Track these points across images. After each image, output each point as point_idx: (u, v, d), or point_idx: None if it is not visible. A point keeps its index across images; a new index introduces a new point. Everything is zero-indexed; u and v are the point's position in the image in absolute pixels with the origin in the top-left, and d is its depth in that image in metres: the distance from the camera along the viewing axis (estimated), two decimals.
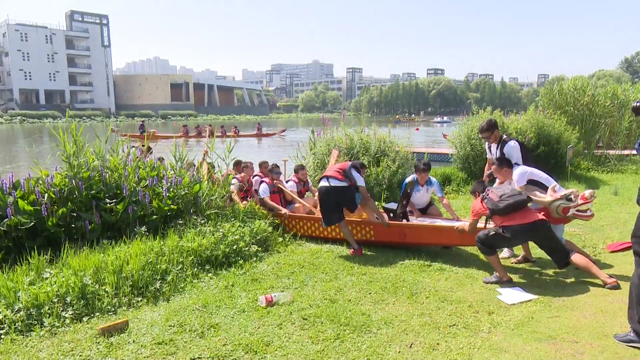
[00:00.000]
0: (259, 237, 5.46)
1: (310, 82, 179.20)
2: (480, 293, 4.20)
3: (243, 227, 5.47)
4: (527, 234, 4.39)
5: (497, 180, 5.16)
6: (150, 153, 6.97)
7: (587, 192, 4.43)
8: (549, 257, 5.09)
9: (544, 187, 4.96)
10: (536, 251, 5.49)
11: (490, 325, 3.52)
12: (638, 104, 3.23)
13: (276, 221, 6.12)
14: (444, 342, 3.26)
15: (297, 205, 6.57)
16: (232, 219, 5.68)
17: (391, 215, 5.67)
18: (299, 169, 6.95)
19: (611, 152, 12.84)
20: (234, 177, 6.68)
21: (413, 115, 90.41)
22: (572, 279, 4.48)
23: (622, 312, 3.39)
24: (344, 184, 5.38)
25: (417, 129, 39.59)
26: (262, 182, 6.58)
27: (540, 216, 4.43)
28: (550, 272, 4.74)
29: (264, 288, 4.28)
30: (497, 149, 5.40)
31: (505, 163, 5.04)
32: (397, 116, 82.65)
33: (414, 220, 5.83)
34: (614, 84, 14.45)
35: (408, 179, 6.03)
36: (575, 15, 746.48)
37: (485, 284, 4.39)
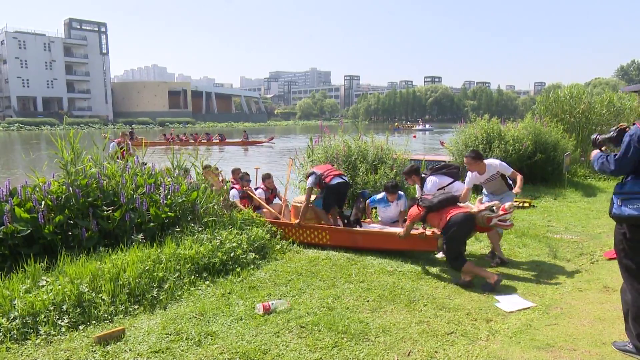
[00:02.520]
0: (256, 245, 5.45)
1: (308, 89, 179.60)
2: (478, 301, 4.19)
3: (240, 235, 5.46)
4: (467, 222, 4.71)
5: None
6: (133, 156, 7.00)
7: (507, 204, 4.90)
8: (546, 264, 5.12)
9: (507, 185, 5.66)
10: (521, 253, 5.51)
11: (489, 333, 3.52)
12: (597, 136, 3.32)
13: (273, 229, 6.16)
14: (442, 350, 3.25)
15: (264, 210, 6.99)
16: (230, 227, 5.67)
17: (345, 221, 6.29)
18: (266, 177, 7.60)
19: None
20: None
21: (409, 123, 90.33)
22: (570, 287, 4.48)
23: (620, 320, 3.38)
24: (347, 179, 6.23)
25: (415, 136, 39.72)
26: (232, 188, 7.14)
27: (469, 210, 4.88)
28: (548, 279, 4.74)
29: (262, 296, 4.27)
30: (420, 187, 6.18)
31: (475, 154, 5.55)
32: (396, 124, 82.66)
33: (366, 227, 6.20)
34: (609, 92, 14.52)
35: (378, 196, 6.46)
36: (571, 23, 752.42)
37: (483, 292, 4.39)
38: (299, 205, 6.35)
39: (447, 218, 4.71)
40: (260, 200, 7.00)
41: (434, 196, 4.97)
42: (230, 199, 6.85)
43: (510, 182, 5.74)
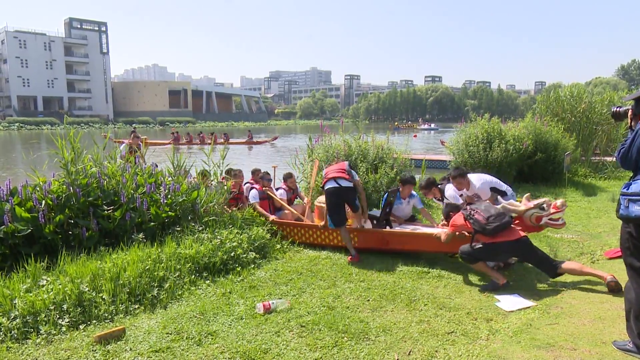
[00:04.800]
0: (256, 244, 5.45)
1: (308, 89, 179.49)
2: (478, 300, 4.19)
3: (241, 234, 5.46)
4: (512, 251, 4.50)
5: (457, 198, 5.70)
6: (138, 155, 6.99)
7: (559, 202, 4.59)
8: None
9: (500, 193, 5.59)
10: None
11: (489, 333, 3.51)
12: (617, 109, 3.24)
13: (274, 228, 6.14)
14: (443, 350, 3.25)
15: (286, 212, 6.75)
16: (230, 226, 5.67)
17: (374, 222, 5.87)
18: (288, 177, 7.20)
19: (608, 158, 12.88)
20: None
21: (410, 122, 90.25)
22: (570, 286, 4.47)
23: (621, 319, 3.38)
24: (350, 184, 5.55)
25: (415, 136, 39.69)
26: (252, 188, 6.80)
27: (522, 233, 4.55)
28: (548, 279, 4.73)
29: (262, 295, 4.27)
30: (441, 199, 6.04)
31: (459, 172, 5.49)
32: (396, 123, 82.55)
33: (397, 227, 5.93)
34: (610, 92, 14.51)
35: (391, 189, 6.26)
36: (572, 23, 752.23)
37: (484, 292, 4.39)
38: (323, 206, 5.88)
39: (494, 242, 4.44)
40: (282, 202, 6.74)
41: (488, 220, 4.45)
42: (251, 201, 6.59)
43: (505, 188, 5.73)
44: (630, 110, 3.10)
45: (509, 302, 4.09)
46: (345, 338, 3.40)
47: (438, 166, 14.51)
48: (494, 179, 5.85)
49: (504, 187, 5.84)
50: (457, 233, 4.82)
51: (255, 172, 7.29)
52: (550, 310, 3.89)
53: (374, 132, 8.68)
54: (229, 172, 7.17)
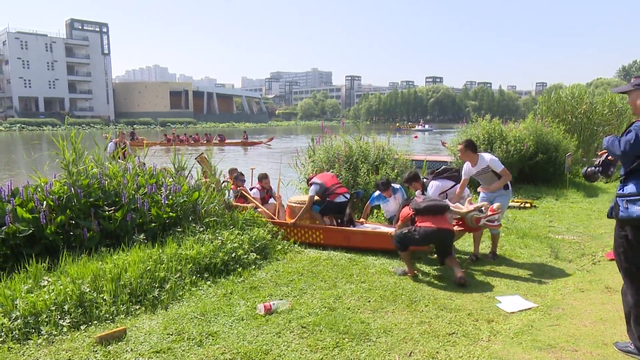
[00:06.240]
0: (257, 245, 5.46)
1: (309, 90, 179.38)
2: (479, 301, 4.19)
3: (242, 235, 5.47)
4: (432, 237, 4.79)
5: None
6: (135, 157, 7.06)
7: (495, 205, 5.10)
8: (547, 265, 5.13)
9: (497, 175, 5.54)
10: (523, 254, 5.50)
11: (490, 334, 3.51)
12: (588, 169, 3.42)
13: (274, 229, 6.18)
14: (444, 351, 3.25)
15: (259, 210, 7.00)
16: (231, 227, 5.68)
17: (339, 221, 6.40)
18: (262, 177, 7.58)
19: None
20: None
21: (410, 123, 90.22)
22: (572, 287, 4.47)
23: (622, 320, 3.38)
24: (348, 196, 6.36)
25: (416, 137, 39.70)
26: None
27: (449, 226, 4.91)
28: (549, 280, 4.74)
29: (263, 296, 4.27)
30: (422, 193, 6.19)
31: (471, 144, 5.55)
32: (397, 124, 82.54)
33: (360, 226, 6.32)
34: (611, 92, 14.49)
35: (375, 194, 6.57)
36: (573, 24, 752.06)
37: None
38: (294, 205, 6.47)
39: (419, 226, 4.79)
40: (255, 201, 7.03)
41: (424, 199, 4.98)
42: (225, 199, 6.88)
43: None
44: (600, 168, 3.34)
45: (510, 303, 4.09)
46: (346, 339, 3.40)
47: (439, 167, 14.49)
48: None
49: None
50: (406, 224, 5.13)
51: (230, 172, 7.63)
52: (551, 312, 3.89)
53: (374, 133, 8.68)
54: (201, 155, 7.32)
